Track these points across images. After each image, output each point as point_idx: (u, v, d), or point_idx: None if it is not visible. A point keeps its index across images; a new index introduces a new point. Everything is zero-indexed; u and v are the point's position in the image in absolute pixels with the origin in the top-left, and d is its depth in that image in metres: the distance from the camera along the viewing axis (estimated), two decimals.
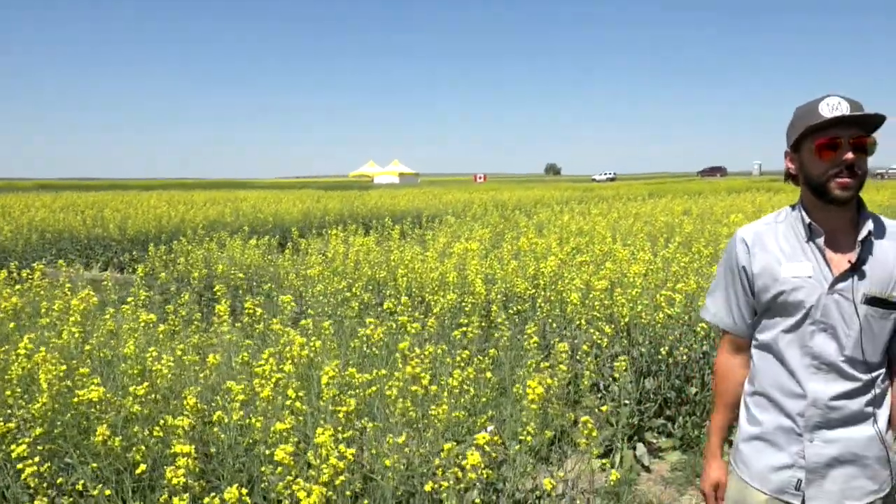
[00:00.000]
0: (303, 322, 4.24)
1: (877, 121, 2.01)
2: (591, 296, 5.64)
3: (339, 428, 2.53)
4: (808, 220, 2.11)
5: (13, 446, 2.77)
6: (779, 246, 2.15)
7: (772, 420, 2.18)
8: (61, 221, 17.20)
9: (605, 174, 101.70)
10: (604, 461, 5.48)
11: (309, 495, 1.96)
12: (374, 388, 3.20)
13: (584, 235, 10.41)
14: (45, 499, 2.88)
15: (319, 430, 2.45)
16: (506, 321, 4.69)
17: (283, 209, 20.25)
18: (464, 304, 5.82)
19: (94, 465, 2.84)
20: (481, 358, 3.83)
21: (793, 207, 2.21)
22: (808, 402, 2.07)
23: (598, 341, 5.06)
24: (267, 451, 2.61)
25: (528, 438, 2.86)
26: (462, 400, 3.15)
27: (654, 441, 5.75)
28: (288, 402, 2.75)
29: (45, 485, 2.72)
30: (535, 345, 3.81)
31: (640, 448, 5.44)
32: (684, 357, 5.56)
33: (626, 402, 5.48)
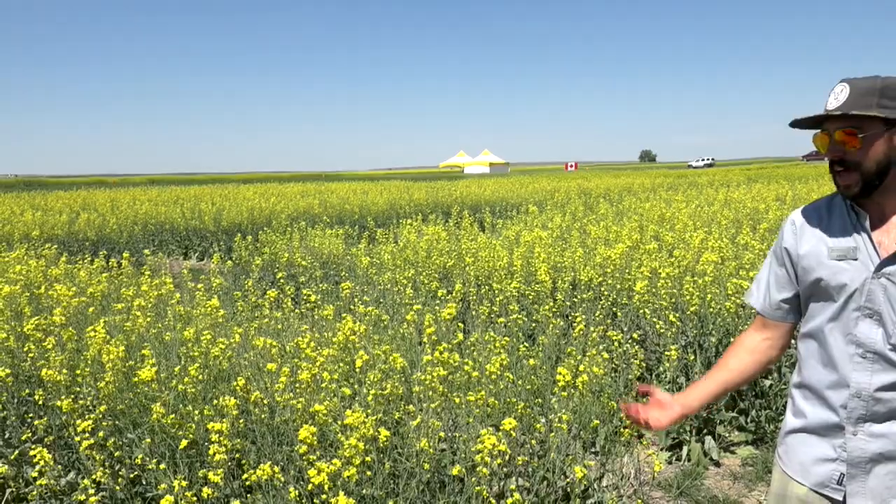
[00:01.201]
0: (360, 309, 4.34)
1: (858, 115, 1.89)
2: (658, 284, 5.48)
3: (369, 411, 2.59)
4: (850, 201, 2.03)
5: (79, 421, 2.99)
6: (828, 228, 2.07)
7: (815, 412, 2.09)
8: (162, 214, 18.20)
9: (703, 160, 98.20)
10: (670, 454, 5.35)
11: (319, 473, 2.03)
12: (417, 375, 3.24)
13: (665, 223, 10.10)
14: (109, 470, 3.10)
15: (349, 411, 2.51)
16: (552, 310, 4.62)
17: (369, 200, 20.66)
18: (527, 292, 5.79)
19: (148, 440, 3.03)
20: (527, 346, 3.81)
21: None
22: (852, 392, 1.96)
23: (661, 331, 4.92)
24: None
25: (563, 427, 2.82)
26: (500, 386, 3.15)
27: (726, 435, 5.55)
28: (323, 385, 2.84)
29: (104, 457, 2.93)
30: (581, 332, 3.75)
31: (709, 441, 5.26)
32: None
33: None
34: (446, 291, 5.23)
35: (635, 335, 4.02)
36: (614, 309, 5.67)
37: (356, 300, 5.07)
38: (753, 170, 53.49)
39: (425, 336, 2.91)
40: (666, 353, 4.18)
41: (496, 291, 5.85)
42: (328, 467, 2.09)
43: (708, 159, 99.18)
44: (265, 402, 2.94)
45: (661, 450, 5.39)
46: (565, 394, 2.82)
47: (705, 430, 5.35)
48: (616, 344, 3.83)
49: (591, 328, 4.06)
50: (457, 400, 3.20)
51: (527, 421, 3.23)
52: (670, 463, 5.23)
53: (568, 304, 5.79)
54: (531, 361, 3.44)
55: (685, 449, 5.28)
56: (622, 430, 3.17)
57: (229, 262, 8.84)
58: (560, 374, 2.78)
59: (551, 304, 4.81)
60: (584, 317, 4.38)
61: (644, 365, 4.50)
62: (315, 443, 2.26)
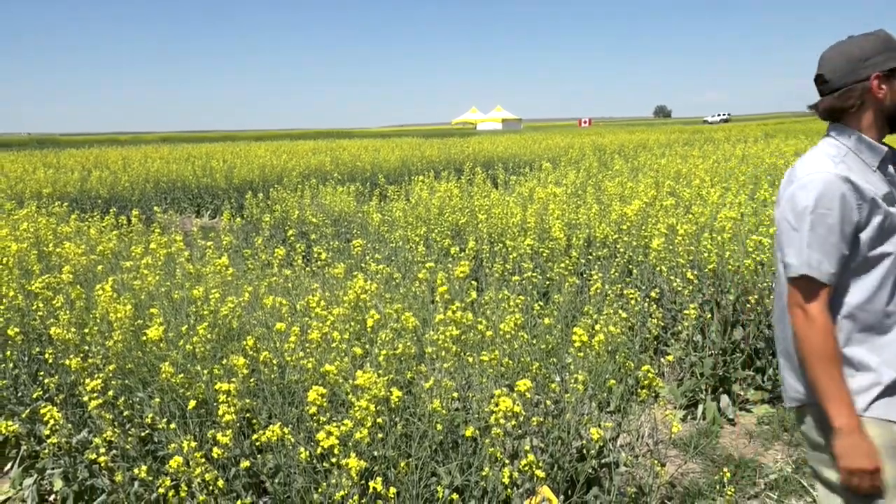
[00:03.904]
0: (372, 267, 4.27)
1: None
2: (676, 241, 5.36)
3: (380, 371, 2.53)
4: (884, 148, 2.09)
5: (87, 380, 2.96)
6: (869, 181, 2.09)
7: None
8: (174, 172, 18.13)
9: (719, 115, 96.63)
10: (685, 413, 5.31)
11: (328, 437, 1.98)
12: (430, 334, 3.17)
13: (682, 179, 9.92)
14: (119, 429, 3.08)
15: (359, 372, 2.45)
16: (567, 267, 4.52)
17: (381, 157, 20.46)
18: (541, 249, 5.69)
19: (157, 400, 3.00)
20: (541, 304, 3.73)
21: (840, 142, 2.17)
22: None
23: (678, 289, 4.83)
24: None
25: (580, 387, 2.76)
26: (514, 346, 3.08)
27: (742, 393, 5.49)
28: (334, 345, 2.78)
29: (114, 416, 2.90)
30: (598, 291, 3.65)
31: (725, 400, 5.20)
32: (772, 307, 5.22)
33: (712, 352, 5.24)
34: (459, 249, 5.14)
35: (653, 293, 3.91)
36: (630, 266, 5.57)
37: (368, 258, 4.99)
38: (770, 125, 52.51)
39: (437, 295, 2.83)
40: (684, 311, 4.09)
41: (509, 249, 5.76)
42: (338, 430, 2.04)
43: (724, 115, 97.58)
44: (274, 362, 2.89)
45: (677, 408, 5.35)
46: (581, 354, 2.75)
47: (721, 389, 5.29)
48: (633, 302, 3.74)
49: (608, 286, 3.96)
50: (470, 359, 3.14)
51: (541, 381, 3.16)
52: (685, 421, 5.19)
53: (583, 261, 5.69)
54: (546, 321, 3.37)
55: (700, 408, 5.23)
56: (639, 390, 3.10)
57: (240, 219, 8.78)
58: (576, 334, 2.70)
59: (567, 261, 4.71)
60: (600, 275, 4.28)
61: (661, 324, 4.42)
62: (325, 404, 2.21)
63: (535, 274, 4.08)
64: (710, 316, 5.23)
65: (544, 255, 5.66)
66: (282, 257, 4.20)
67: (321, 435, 2.02)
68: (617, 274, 5.46)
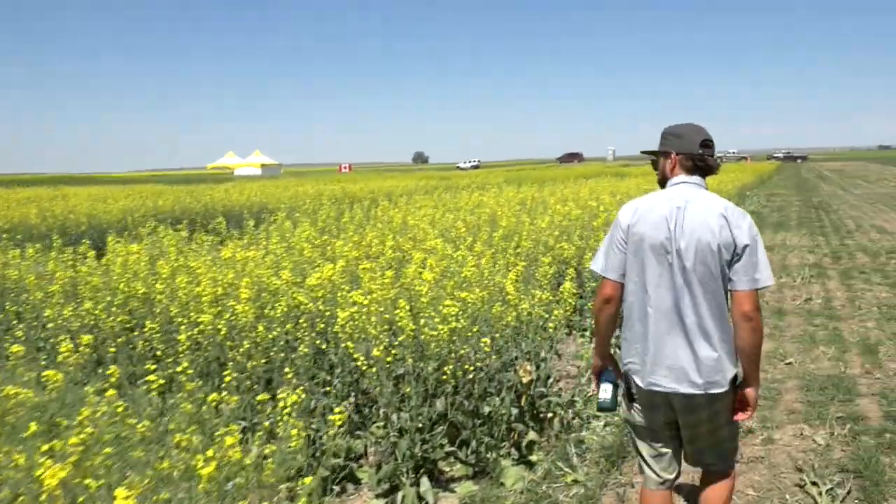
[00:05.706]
0: None
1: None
2: (370, 308, 4.85)
3: None
4: None
5: None
6: None
7: None
8: None
9: (470, 162, 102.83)
10: (385, 500, 4.76)
11: None
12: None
13: (409, 231, 9.70)
14: None
15: None
16: (190, 364, 3.75)
17: (100, 209, 18.15)
18: (220, 325, 4.88)
19: None
20: (149, 423, 2.94)
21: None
22: None
23: (362, 367, 4.32)
24: None
25: None
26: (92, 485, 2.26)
27: (448, 470, 5.10)
28: None
29: None
30: (217, 399, 2.94)
31: (424, 483, 4.74)
32: (470, 375, 4.92)
33: (412, 428, 4.78)
34: (67, 346, 4.17)
35: (293, 397, 3.23)
36: (318, 342, 4.96)
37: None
38: (514, 171, 56.76)
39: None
40: (336, 409, 3.50)
41: (181, 328, 4.88)
42: None
43: (475, 161, 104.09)
44: None
45: (378, 497, 4.80)
46: None
47: (423, 469, 4.84)
48: (281, 405, 3.10)
49: (245, 393, 3.27)
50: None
51: None
52: None
53: (272, 336, 4.98)
54: (177, 437, 2.56)
55: (400, 494, 4.72)
56: None
57: None
58: (117, 497, 1.97)
59: (192, 358, 3.96)
60: (236, 374, 3.59)
61: (308, 435, 3.82)
62: None
63: (157, 376, 3.25)
64: (408, 389, 4.78)
65: (223, 333, 4.86)
66: None
67: None
68: (307, 350, 4.84)
